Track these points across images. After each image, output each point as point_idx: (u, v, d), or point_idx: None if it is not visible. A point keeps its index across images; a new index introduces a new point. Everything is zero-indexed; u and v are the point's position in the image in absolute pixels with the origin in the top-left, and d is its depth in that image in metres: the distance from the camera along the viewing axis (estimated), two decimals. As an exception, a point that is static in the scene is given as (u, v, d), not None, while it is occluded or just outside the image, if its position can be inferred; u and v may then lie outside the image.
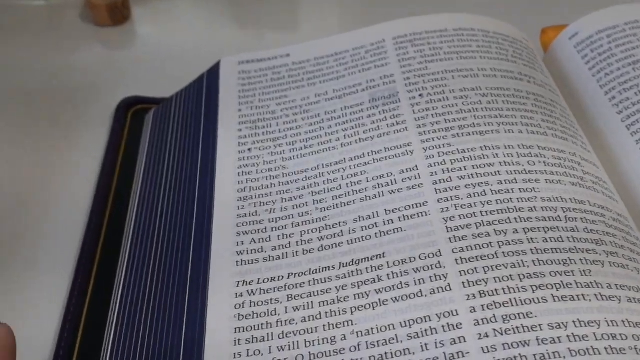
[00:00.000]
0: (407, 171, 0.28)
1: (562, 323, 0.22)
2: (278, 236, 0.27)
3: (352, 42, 0.35)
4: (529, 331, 0.22)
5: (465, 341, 0.22)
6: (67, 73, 0.43)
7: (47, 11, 0.48)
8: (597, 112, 0.33)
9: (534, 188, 0.26)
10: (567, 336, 0.22)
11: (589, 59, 0.35)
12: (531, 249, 0.24)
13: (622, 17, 0.35)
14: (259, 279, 0.26)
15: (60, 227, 0.33)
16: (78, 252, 0.31)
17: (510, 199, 0.26)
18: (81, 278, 0.30)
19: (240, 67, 0.36)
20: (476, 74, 0.31)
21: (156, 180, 0.33)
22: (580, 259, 0.24)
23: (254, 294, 0.25)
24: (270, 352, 0.23)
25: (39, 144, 0.38)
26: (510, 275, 0.23)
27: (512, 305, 0.23)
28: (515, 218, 0.25)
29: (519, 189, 0.26)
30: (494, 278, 0.23)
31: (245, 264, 0.27)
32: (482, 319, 0.22)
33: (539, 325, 0.22)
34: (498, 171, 0.27)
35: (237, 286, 0.26)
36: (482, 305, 0.23)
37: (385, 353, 0.22)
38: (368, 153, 0.29)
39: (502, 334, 0.22)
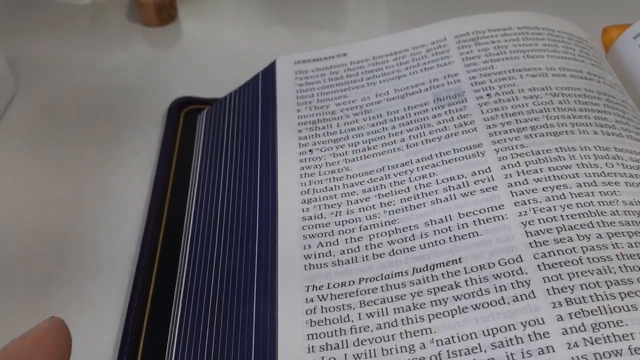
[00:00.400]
0: (479, 173, 0.27)
1: None
2: (346, 240, 0.27)
3: (411, 40, 0.34)
4: (621, 340, 0.21)
5: (553, 351, 0.21)
6: (114, 73, 0.42)
7: (91, 10, 0.48)
8: (665, 112, 0.32)
9: (614, 191, 0.25)
10: (661, 346, 0.21)
11: (656, 57, 0.34)
12: (617, 255, 0.23)
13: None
14: (329, 284, 0.25)
15: (117, 230, 0.33)
16: (137, 255, 0.31)
17: (592, 202, 0.25)
18: (142, 280, 0.30)
19: (297, 66, 0.35)
20: (545, 73, 0.31)
21: (213, 181, 0.32)
22: (669, 266, 0.23)
23: (324, 300, 0.25)
24: (346, 360, 0.23)
25: (89, 145, 0.37)
26: (597, 282, 0.22)
27: (601, 313, 0.22)
28: (598, 222, 0.24)
29: (600, 192, 0.25)
30: (580, 285, 0.22)
31: (314, 268, 0.26)
32: (570, 328, 0.21)
33: (631, 333, 0.21)
34: (576, 173, 0.26)
35: (307, 291, 0.25)
36: (570, 314, 0.22)
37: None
38: (436, 154, 0.28)
39: (592, 343, 0.21)
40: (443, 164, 0.28)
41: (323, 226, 0.27)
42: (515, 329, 0.22)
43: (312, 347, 0.23)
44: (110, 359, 0.28)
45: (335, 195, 0.28)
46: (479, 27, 0.33)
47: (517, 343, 0.22)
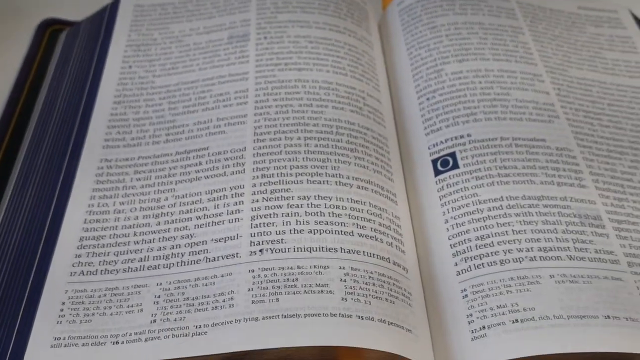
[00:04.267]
0: (239, 92, 0.38)
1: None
2: (137, 130, 0.37)
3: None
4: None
5: (243, 203, 0.32)
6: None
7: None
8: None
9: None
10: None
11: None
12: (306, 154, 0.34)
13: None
14: (117, 158, 0.35)
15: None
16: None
17: (304, 116, 0.36)
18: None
19: (137, 0, 0.44)
20: (310, 25, 0.41)
21: (55, 92, 0.42)
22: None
23: (112, 174, 0.35)
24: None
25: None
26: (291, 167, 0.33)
27: (282, 183, 0.33)
28: (300, 129, 0.35)
29: (330, 101, 0.36)
30: (275, 168, 0.33)
31: (109, 148, 0.36)
32: (258, 191, 0.32)
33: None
34: (297, 92, 0.37)
35: (99, 169, 0.35)
36: (262, 183, 0.33)
37: (190, 210, 0.32)
38: (216, 76, 0.39)
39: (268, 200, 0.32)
40: (219, 83, 0.38)
41: (123, 120, 0.37)
42: (226, 190, 0.33)
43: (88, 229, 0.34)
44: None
45: (138, 100, 0.39)
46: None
47: (229, 197, 0.32)
